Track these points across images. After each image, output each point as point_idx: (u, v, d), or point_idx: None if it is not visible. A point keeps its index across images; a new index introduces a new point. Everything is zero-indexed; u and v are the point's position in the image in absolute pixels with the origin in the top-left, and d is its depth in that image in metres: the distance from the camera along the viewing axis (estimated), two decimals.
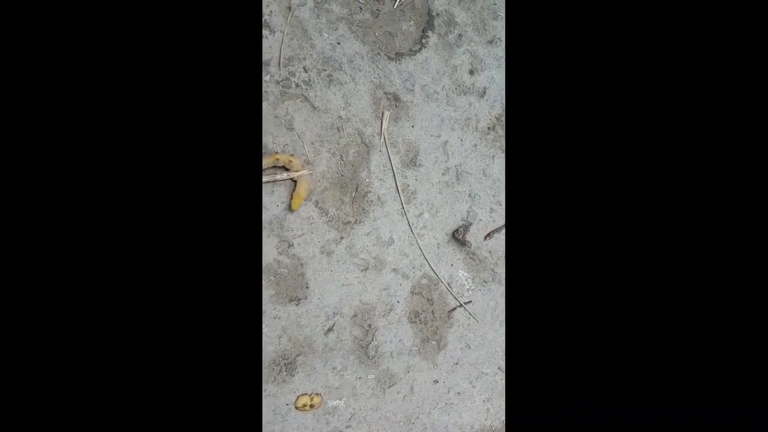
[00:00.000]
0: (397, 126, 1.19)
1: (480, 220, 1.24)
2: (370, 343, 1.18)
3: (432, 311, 1.22)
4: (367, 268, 1.18)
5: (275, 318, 1.13)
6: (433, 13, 1.20)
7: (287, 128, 1.13)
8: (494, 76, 1.24)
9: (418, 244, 1.20)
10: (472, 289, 1.24)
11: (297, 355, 1.14)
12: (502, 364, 1.25)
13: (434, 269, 1.21)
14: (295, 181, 1.11)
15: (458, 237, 1.21)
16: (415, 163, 1.20)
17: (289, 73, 1.13)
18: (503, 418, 1.26)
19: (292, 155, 1.11)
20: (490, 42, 1.24)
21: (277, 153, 1.11)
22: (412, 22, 1.19)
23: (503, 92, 1.24)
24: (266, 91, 1.11)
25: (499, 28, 1.24)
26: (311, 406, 1.14)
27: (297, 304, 1.14)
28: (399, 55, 1.19)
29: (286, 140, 1.13)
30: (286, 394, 1.14)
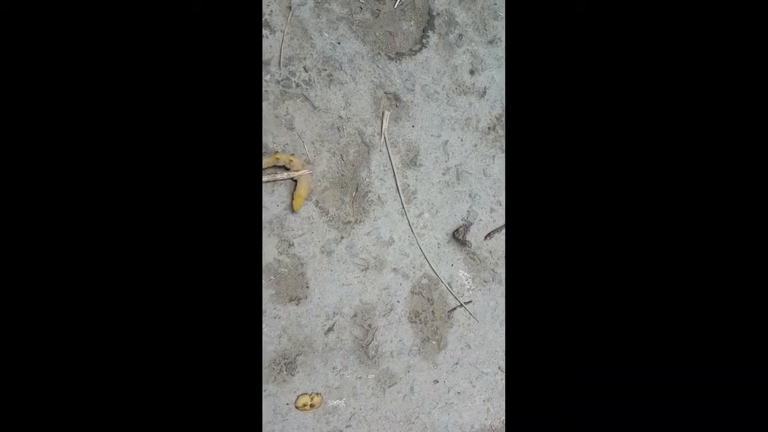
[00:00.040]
0: (398, 126, 1.19)
1: (480, 220, 1.24)
2: (370, 343, 1.18)
3: (432, 311, 1.22)
4: (367, 268, 1.18)
5: (275, 318, 1.13)
6: (434, 13, 1.20)
7: (287, 128, 1.13)
8: (494, 76, 1.24)
9: (418, 244, 1.20)
10: (473, 289, 1.24)
11: (297, 355, 1.14)
12: (502, 363, 1.25)
13: (434, 269, 1.21)
14: (296, 181, 1.11)
15: (458, 237, 1.21)
16: (416, 163, 1.20)
17: (289, 72, 1.13)
18: (503, 417, 1.26)
19: (293, 155, 1.11)
20: (491, 42, 1.24)
21: (277, 152, 1.11)
22: (412, 22, 1.19)
23: (503, 92, 1.24)
24: (266, 91, 1.11)
25: (499, 28, 1.24)
26: (311, 405, 1.14)
27: (297, 304, 1.14)
28: (399, 55, 1.19)
29: (287, 140, 1.13)
30: (286, 394, 1.14)
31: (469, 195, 1.23)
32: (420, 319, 1.21)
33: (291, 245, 1.13)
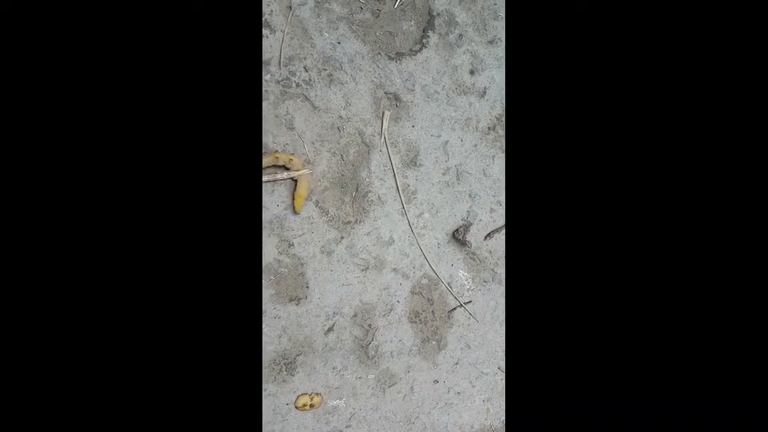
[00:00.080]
0: (398, 126, 1.19)
1: (480, 220, 1.24)
2: (370, 343, 1.18)
3: (432, 311, 1.22)
4: (367, 268, 1.18)
5: (275, 318, 1.13)
6: (434, 13, 1.20)
7: (288, 128, 1.13)
8: (494, 76, 1.24)
9: (418, 244, 1.20)
10: (473, 289, 1.24)
11: (297, 355, 1.14)
12: (502, 364, 1.25)
13: (434, 269, 1.21)
14: (296, 181, 1.11)
15: (458, 237, 1.21)
16: (416, 163, 1.20)
17: (289, 72, 1.13)
18: (503, 418, 1.26)
19: (292, 154, 1.11)
20: (491, 42, 1.24)
21: (277, 152, 1.11)
22: (412, 22, 1.19)
23: (503, 92, 1.24)
24: (267, 91, 1.11)
25: (499, 28, 1.24)
26: (311, 405, 1.14)
27: (297, 304, 1.14)
28: (399, 55, 1.19)
29: (287, 140, 1.13)
30: (286, 394, 1.13)
31: (469, 195, 1.23)
32: (420, 319, 1.21)
33: (291, 245, 1.13)
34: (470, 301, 1.23)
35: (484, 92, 1.23)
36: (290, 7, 1.12)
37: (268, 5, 1.11)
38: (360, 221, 1.17)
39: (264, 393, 1.12)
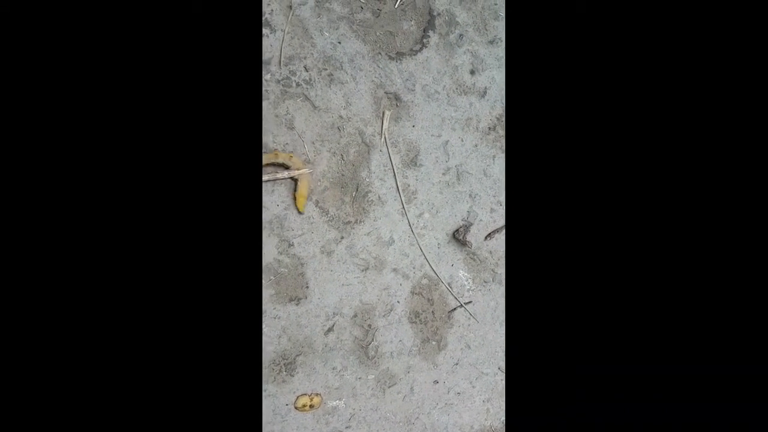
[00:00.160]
0: (398, 126, 1.19)
1: (480, 220, 1.23)
2: (370, 344, 1.18)
3: (432, 311, 1.21)
4: (367, 268, 1.18)
5: (275, 318, 1.12)
6: (434, 13, 1.20)
7: (288, 127, 1.12)
8: (495, 77, 1.24)
9: (418, 244, 1.20)
10: (473, 290, 1.24)
11: (297, 355, 1.14)
12: (502, 364, 1.25)
13: (434, 269, 1.21)
14: (296, 180, 1.11)
15: (459, 237, 1.20)
16: (416, 163, 1.20)
17: (289, 72, 1.13)
18: (503, 418, 1.26)
19: (292, 153, 1.11)
20: (491, 42, 1.23)
21: (277, 150, 1.11)
22: (413, 22, 1.19)
23: (504, 92, 1.24)
24: (267, 90, 1.11)
25: (500, 28, 1.24)
26: (311, 406, 1.14)
27: (297, 304, 1.14)
28: (400, 55, 1.18)
29: (287, 139, 1.12)
30: (285, 394, 1.13)
31: (470, 195, 1.23)
32: (420, 320, 1.21)
33: (291, 245, 1.13)
34: (470, 302, 1.23)
35: (485, 92, 1.23)
36: (290, 7, 1.12)
37: (269, 5, 1.11)
38: (360, 221, 1.17)
39: (263, 393, 1.12)
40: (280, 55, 1.12)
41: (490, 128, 1.23)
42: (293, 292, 1.14)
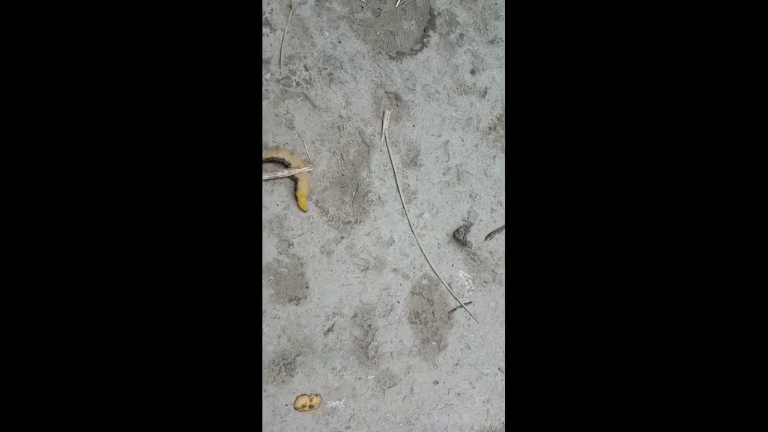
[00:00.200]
0: (398, 125, 1.18)
1: (481, 220, 1.23)
2: (370, 344, 1.18)
3: (432, 312, 1.21)
4: (367, 268, 1.17)
5: (275, 318, 1.12)
6: (435, 13, 1.20)
7: (288, 127, 1.12)
8: (495, 76, 1.24)
9: (418, 244, 1.20)
10: (473, 290, 1.23)
11: (296, 356, 1.14)
12: (502, 364, 1.25)
13: (435, 269, 1.21)
14: (296, 180, 1.11)
15: (459, 237, 1.20)
16: (416, 163, 1.20)
17: (289, 71, 1.13)
18: (503, 419, 1.25)
19: (292, 152, 1.11)
20: (492, 42, 1.23)
21: (277, 146, 1.11)
22: (413, 22, 1.19)
23: (504, 92, 1.24)
24: (267, 90, 1.11)
25: (500, 28, 1.24)
26: (310, 406, 1.14)
27: (297, 304, 1.14)
28: (400, 55, 1.18)
29: (287, 139, 1.12)
30: (285, 395, 1.13)
31: (470, 195, 1.23)
32: (420, 320, 1.20)
33: (291, 245, 1.13)
34: (470, 302, 1.23)
35: (485, 92, 1.23)
36: (291, 6, 1.12)
37: (269, 4, 1.11)
38: (360, 221, 1.17)
39: (263, 394, 1.12)
40: (280, 54, 1.12)
41: (490, 128, 1.23)
42: (293, 292, 1.13)
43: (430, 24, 1.20)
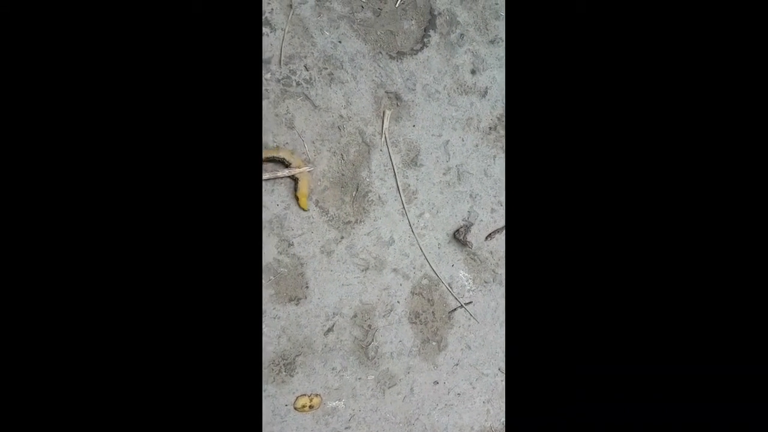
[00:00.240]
0: (399, 125, 1.18)
1: (481, 220, 1.23)
2: (370, 344, 1.18)
3: (432, 312, 1.21)
4: (367, 268, 1.17)
5: (275, 318, 1.12)
6: (435, 13, 1.20)
7: (288, 127, 1.12)
8: (496, 76, 1.23)
9: (418, 245, 1.20)
10: (473, 290, 1.23)
11: (296, 356, 1.14)
12: (503, 365, 1.25)
13: (435, 270, 1.21)
14: (296, 180, 1.11)
15: (459, 237, 1.20)
16: (416, 163, 1.20)
17: (290, 71, 1.13)
18: (503, 419, 1.25)
19: (292, 151, 1.11)
20: (492, 42, 1.23)
21: (278, 146, 1.11)
22: (413, 21, 1.19)
23: (505, 92, 1.24)
24: (267, 90, 1.11)
25: (500, 28, 1.24)
26: (310, 406, 1.14)
27: (297, 304, 1.14)
28: (400, 54, 1.18)
29: (287, 139, 1.12)
30: (285, 395, 1.13)
31: (470, 195, 1.23)
32: (420, 320, 1.20)
33: (291, 245, 1.13)
34: (471, 302, 1.23)
35: (486, 92, 1.23)
36: (291, 6, 1.12)
37: (269, 3, 1.11)
38: (360, 221, 1.17)
39: (263, 394, 1.12)
40: (281, 54, 1.12)
41: (490, 128, 1.23)
42: (293, 292, 1.13)
43: (430, 24, 1.20)
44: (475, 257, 1.23)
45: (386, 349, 1.18)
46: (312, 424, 1.15)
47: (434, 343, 1.21)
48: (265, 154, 1.09)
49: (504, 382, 1.25)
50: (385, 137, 1.17)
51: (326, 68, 1.14)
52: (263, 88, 1.11)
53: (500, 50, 1.23)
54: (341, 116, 1.15)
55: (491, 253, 1.24)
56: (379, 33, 1.17)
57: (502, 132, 1.24)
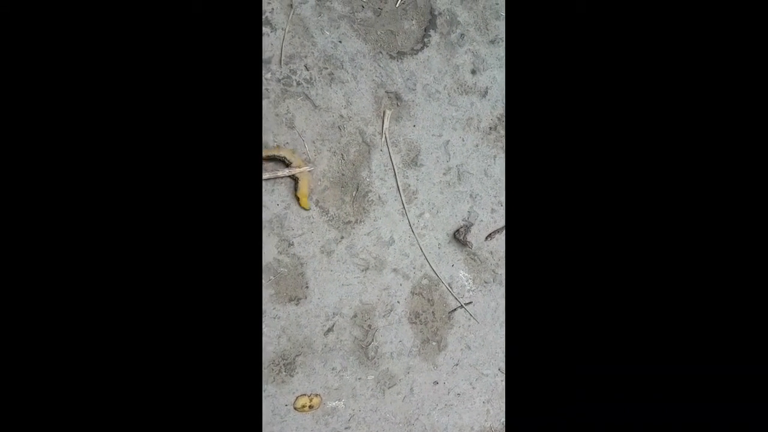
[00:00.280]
0: (399, 125, 1.18)
1: (481, 220, 1.23)
2: (370, 344, 1.18)
3: (432, 312, 1.21)
4: (367, 268, 1.17)
5: (275, 318, 1.12)
6: (436, 12, 1.20)
7: (288, 126, 1.12)
8: (496, 76, 1.23)
9: (418, 245, 1.20)
10: (473, 290, 1.23)
11: (296, 356, 1.14)
12: (503, 365, 1.25)
13: (435, 270, 1.21)
14: (296, 179, 1.11)
15: (459, 237, 1.20)
16: (417, 163, 1.20)
17: (290, 71, 1.12)
18: (503, 419, 1.25)
19: (293, 151, 1.11)
20: (492, 42, 1.23)
21: (278, 146, 1.11)
22: (414, 21, 1.19)
23: (505, 92, 1.24)
24: (267, 89, 1.11)
25: (501, 27, 1.24)
26: (310, 406, 1.14)
27: (297, 304, 1.14)
28: (401, 54, 1.18)
29: (287, 139, 1.12)
30: (285, 395, 1.13)
31: (470, 195, 1.22)
32: (420, 320, 1.20)
33: (291, 245, 1.13)
34: (471, 302, 1.23)
35: (486, 92, 1.23)
36: (291, 6, 1.12)
37: (269, 3, 1.11)
38: (360, 221, 1.17)
39: (263, 394, 1.12)
40: (281, 53, 1.12)
41: (491, 128, 1.23)
42: (293, 292, 1.13)
43: (430, 24, 1.20)
44: (475, 257, 1.23)
45: (386, 349, 1.18)
46: (312, 424, 1.15)
47: (434, 343, 1.21)
48: (266, 153, 1.09)
49: (504, 383, 1.25)
50: (386, 137, 1.17)
51: (326, 68, 1.14)
52: (264, 87, 1.11)
53: (500, 50, 1.23)
54: (341, 116, 1.15)
55: (491, 253, 1.24)
56: (379, 33, 1.17)
57: (503, 132, 1.24)
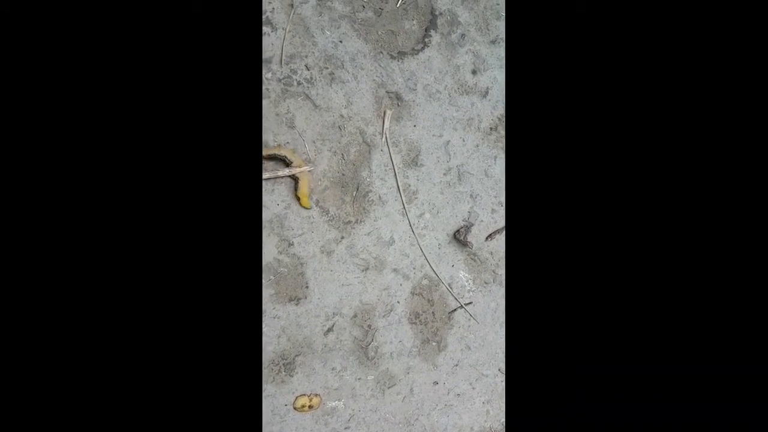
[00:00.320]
0: (399, 125, 1.18)
1: (481, 220, 1.23)
2: (369, 344, 1.18)
3: (432, 312, 1.21)
4: (367, 268, 1.17)
5: (275, 318, 1.12)
6: (436, 13, 1.20)
7: (288, 126, 1.12)
8: (497, 77, 1.23)
9: (419, 245, 1.20)
10: (473, 290, 1.23)
11: (296, 356, 1.14)
12: (503, 365, 1.25)
13: (435, 270, 1.21)
14: (296, 179, 1.11)
15: (459, 238, 1.20)
16: (417, 163, 1.20)
17: (290, 70, 1.12)
18: (503, 420, 1.25)
19: (294, 150, 1.11)
20: (493, 42, 1.23)
21: (279, 145, 1.11)
22: (414, 21, 1.19)
23: (505, 92, 1.24)
24: (267, 89, 1.11)
25: (501, 28, 1.24)
26: (310, 406, 1.14)
27: (297, 304, 1.13)
28: (401, 54, 1.18)
29: (287, 138, 1.12)
30: (284, 395, 1.13)
31: (471, 195, 1.22)
32: (420, 320, 1.20)
33: (291, 245, 1.13)
34: (471, 303, 1.23)
35: (486, 92, 1.23)
36: (292, 5, 1.12)
37: (270, 3, 1.11)
38: (360, 221, 1.17)
39: (263, 394, 1.12)
40: (281, 53, 1.12)
41: (491, 128, 1.23)
42: (293, 292, 1.13)
43: (431, 24, 1.20)
44: (476, 258, 1.23)
45: (386, 350, 1.18)
46: (311, 424, 1.14)
47: (434, 344, 1.21)
48: (266, 152, 1.09)
49: (504, 383, 1.25)
50: (386, 137, 1.17)
51: (327, 68, 1.14)
52: (264, 87, 1.11)
53: (501, 50, 1.23)
54: (342, 116, 1.15)
55: (491, 253, 1.24)
56: (380, 33, 1.17)
57: (503, 132, 1.24)
